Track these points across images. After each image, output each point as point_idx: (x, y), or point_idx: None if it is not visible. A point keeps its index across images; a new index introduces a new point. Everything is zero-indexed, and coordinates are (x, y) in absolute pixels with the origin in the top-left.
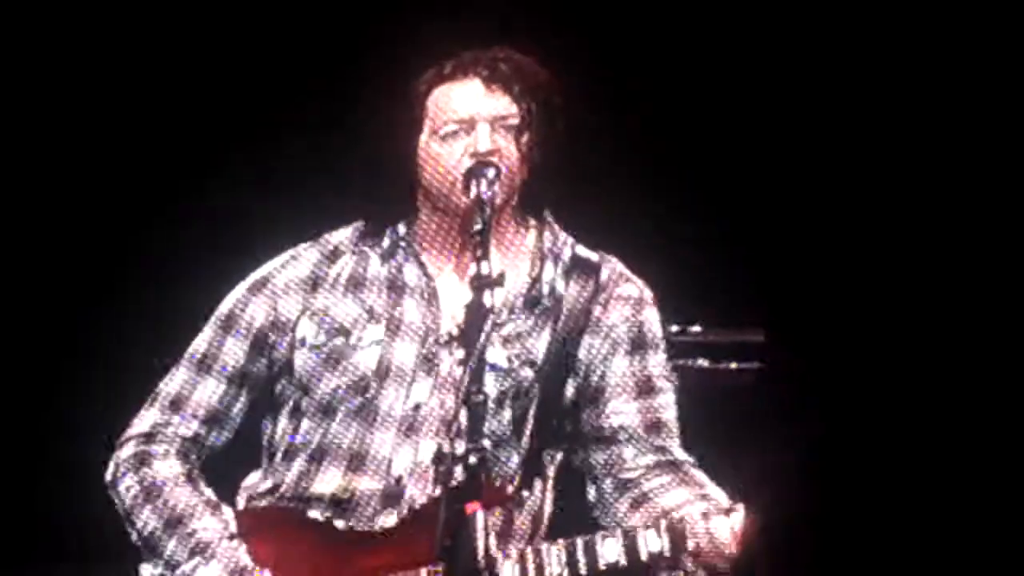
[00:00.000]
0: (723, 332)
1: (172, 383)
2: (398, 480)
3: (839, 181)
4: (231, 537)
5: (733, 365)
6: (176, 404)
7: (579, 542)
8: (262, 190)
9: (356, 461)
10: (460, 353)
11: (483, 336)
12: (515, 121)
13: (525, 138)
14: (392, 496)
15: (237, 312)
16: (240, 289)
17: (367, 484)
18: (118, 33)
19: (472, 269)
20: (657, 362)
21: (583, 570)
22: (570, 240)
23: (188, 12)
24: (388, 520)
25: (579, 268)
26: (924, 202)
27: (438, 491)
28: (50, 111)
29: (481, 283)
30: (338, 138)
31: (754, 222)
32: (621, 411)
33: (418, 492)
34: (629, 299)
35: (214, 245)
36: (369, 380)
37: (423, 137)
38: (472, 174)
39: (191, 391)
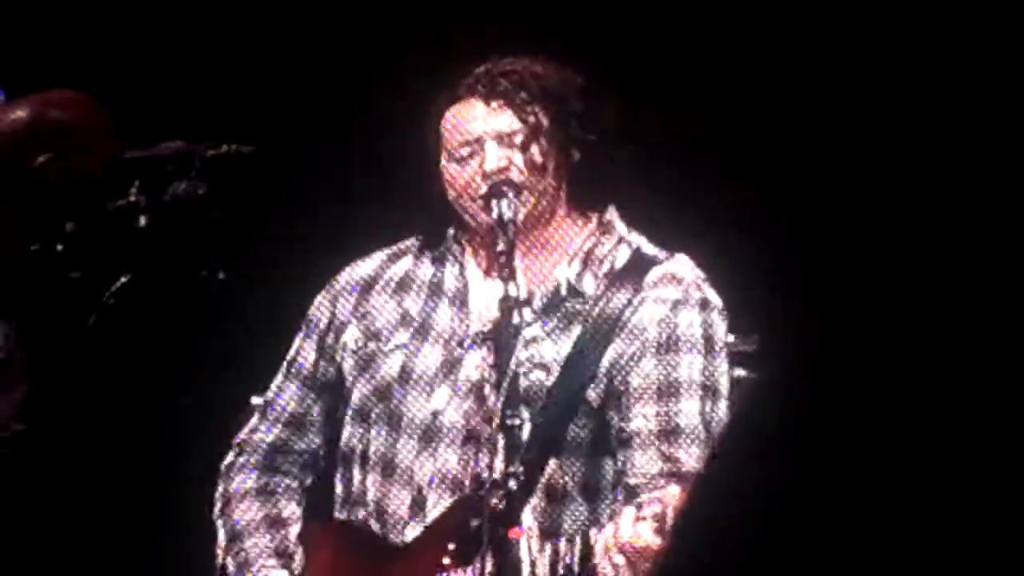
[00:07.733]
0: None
1: (269, 389)
2: (419, 490)
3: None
4: (276, 554)
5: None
6: (264, 410)
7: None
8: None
9: (388, 470)
10: (479, 358)
11: (513, 358)
12: (520, 136)
13: (537, 148)
14: (417, 506)
15: (310, 313)
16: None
17: (396, 493)
18: None
19: (500, 290)
20: (688, 364)
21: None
22: (635, 240)
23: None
24: (415, 531)
25: (631, 270)
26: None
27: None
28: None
29: (509, 305)
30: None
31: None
32: (640, 415)
33: (441, 502)
34: (665, 301)
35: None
36: (392, 386)
37: (443, 159)
38: (491, 195)
39: (276, 395)
